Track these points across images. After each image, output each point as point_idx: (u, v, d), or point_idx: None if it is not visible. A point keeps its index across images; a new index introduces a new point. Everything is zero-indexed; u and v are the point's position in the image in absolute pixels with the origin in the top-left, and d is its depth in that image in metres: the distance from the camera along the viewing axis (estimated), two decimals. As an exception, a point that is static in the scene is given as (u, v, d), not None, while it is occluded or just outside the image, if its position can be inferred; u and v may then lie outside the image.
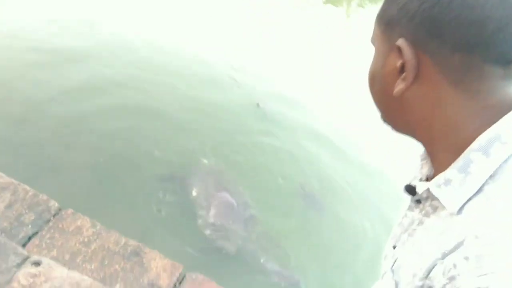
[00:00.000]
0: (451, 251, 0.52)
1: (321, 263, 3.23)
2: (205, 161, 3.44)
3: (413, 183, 0.66)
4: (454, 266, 0.51)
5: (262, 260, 2.73)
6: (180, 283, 2.12)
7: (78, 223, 2.28)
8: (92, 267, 2.02)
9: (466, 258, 0.50)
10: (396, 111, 0.63)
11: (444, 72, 0.56)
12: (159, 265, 2.14)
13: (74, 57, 4.29)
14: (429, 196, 0.62)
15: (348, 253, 3.44)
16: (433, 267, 0.54)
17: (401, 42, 0.58)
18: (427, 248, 0.58)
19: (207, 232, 2.70)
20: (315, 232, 3.54)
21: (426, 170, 0.67)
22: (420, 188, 0.63)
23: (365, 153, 4.79)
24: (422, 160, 0.69)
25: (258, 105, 4.70)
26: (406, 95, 0.59)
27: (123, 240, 2.25)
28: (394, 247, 0.70)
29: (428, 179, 0.66)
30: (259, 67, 5.63)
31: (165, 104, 4.06)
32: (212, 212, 2.80)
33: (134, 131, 3.53)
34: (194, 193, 3.01)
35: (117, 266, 2.06)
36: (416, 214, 0.65)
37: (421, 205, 0.64)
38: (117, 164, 3.14)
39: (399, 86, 0.59)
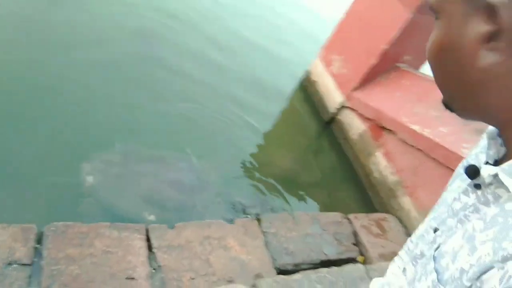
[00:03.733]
0: None
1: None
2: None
3: (477, 164, 0.58)
4: None
5: None
6: (40, 243, 1.95)
7: None
8: None
9: None
10: (470, 90, 0.53)
11: None
12: (6, 237, 1.90)
13: None
14: (494, 183, 0.54)
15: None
16: (489, 269, 0.47)
17: (498, 1, 0.46)
18: (482, 244, 0.50)
19: None
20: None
21: (493, 152, 0.59)
22: (486, 171, 0.55)
23: None
24: (490, 139, 0.59)
25: None
26: (492, 70, 0.49)
27: None
28: (435, 230, 0.64)
29: (496, 163, 0.58)
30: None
31: None
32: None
33: None
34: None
35: (-46, 265, 1.77)
36: (471, 200, 0.58)
37: (480, 192, 0.57)
38: None
39: (489, 59, 0.48)
